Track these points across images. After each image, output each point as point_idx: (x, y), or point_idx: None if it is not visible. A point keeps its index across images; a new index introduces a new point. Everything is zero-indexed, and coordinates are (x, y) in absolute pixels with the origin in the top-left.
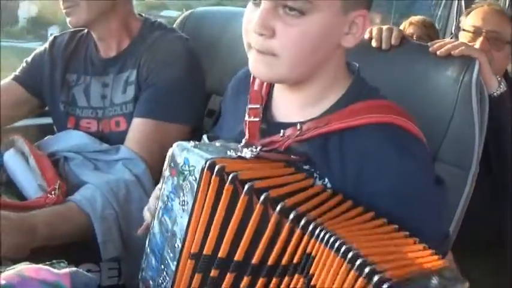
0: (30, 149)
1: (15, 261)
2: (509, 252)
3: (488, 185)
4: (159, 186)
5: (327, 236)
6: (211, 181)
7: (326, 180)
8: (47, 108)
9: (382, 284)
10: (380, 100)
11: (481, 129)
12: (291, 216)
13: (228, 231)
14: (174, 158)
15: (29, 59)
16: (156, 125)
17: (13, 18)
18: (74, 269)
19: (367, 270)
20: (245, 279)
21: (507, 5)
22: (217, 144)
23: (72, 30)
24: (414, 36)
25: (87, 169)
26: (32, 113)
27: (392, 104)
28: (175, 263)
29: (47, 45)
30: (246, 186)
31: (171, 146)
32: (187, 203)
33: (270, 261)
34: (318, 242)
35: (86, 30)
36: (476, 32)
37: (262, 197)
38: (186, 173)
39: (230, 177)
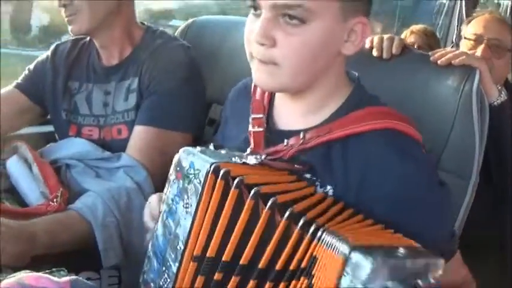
0: (33, 156)
1: (16, 269)
2: (510, 255)
3: (488, 195)
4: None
5: (336, 241)
6: (216, 184)
7: (327, 188)
8: (48, 116)
9: None
10: (380, 107)
11: (482, 139)
12: (301, 222)
13: (233, 235)
14: (180, 162)
15: (31, 66)
16: (157, 132)
17: (26, 26)
18: (74, 277)
19: None
20: (251, 283)
21: (508, 13)
22: (223, 152)
23: (74, 38)
24: (415, 45)
25: (89, 176)
26: (34, 121)
27: (392, 110)
28: (176, 264)
29: (49, 53)
30: (253, 191)
31: (173, 154)
32: (191, 205)
33: (278, 266)
34: (325, 247)
35: (88, 38)
36: (478, 40)
37: (269, 202)
38: (191, 176)
39: (236, 182)
